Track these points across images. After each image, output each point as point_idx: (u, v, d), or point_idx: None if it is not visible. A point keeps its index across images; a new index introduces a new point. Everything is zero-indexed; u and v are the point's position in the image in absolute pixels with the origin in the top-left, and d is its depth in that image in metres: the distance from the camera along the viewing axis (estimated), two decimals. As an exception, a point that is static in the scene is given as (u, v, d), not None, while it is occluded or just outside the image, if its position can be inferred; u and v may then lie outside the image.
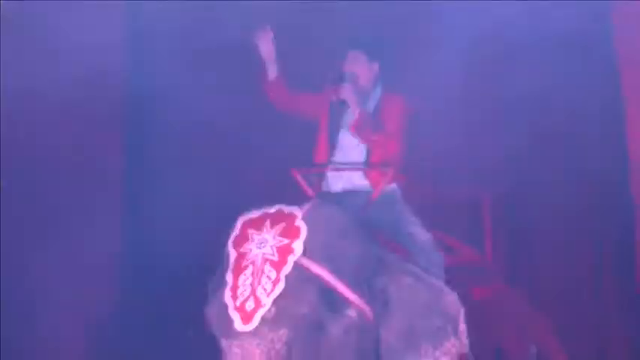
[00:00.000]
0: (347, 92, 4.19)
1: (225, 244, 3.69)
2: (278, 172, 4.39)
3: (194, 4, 5.33)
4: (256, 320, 3.49)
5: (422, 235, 4.11)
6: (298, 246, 3.58)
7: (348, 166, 4.26)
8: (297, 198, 4.03)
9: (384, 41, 4.50)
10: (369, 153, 4.27)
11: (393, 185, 4.32)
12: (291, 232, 3.61)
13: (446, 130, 5.12)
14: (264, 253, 3.59)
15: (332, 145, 4.31)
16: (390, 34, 5.03)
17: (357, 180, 4.31)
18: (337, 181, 4.34)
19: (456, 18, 5.13)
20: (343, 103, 4.20)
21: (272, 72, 4.32)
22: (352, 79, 4.22)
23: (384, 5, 5.36)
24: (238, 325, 3.50)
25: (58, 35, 4.93)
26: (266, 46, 4.26)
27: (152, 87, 5.22)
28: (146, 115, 5.40)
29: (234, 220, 3.76)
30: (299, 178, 4.21)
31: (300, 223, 3.63)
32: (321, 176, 4.34)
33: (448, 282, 3.93)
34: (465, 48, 5.19)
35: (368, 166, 4.24)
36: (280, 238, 3.61)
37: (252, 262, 3.59)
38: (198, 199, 5.22)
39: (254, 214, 3.75)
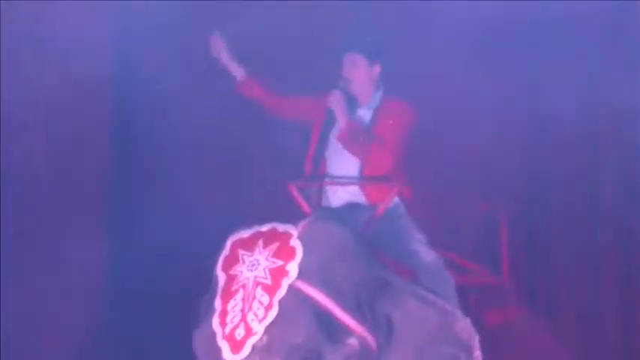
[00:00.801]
0: (334, 99, 4.17)
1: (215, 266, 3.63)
2: (275, 186, 4.36)
3: (189, 3, 5.32)
4: (247, 349, 3.40)
5: (428, 253, 4.05)
6: (293, 268, 3.49)
7: (348, 180, 4.22)
8: (295, 214, 4.02)
9: (387, 42, 4.44)
10: (361, 166, 4.22)
11: (396, 199, 4.25)
12: (285, 253, 3.53)
13: (456, 139, 5.09)
14: (255, 276, 3.51)
15: (325, 156, 4.27)
16: (394, 34, 4.97)
17: (358, 195, 4.26)
18: (337, 196, 4.29)
19: (465, 15, 5.11)
20: (331, 111, 4.19)
21: (237, 74, 4.41)
22: (344, 85, 4.20)
23: (386, 4, 5.33)
24: (227, 354, 3.42)
25: (41, 37, 4.94)
26: (218, 51, 4.36)
27: (141, 96, 5.24)
28: (136, 125, 5.41)
29: (226, 238, 3.70)
30: (295, 192, 4.15)
31: (295, 242, 3.55)
32: (320, 190, 4.29)
33: (460, 306, 3.88)
34: (478, 52, 5.20)
35: (365, 180, 4.19)
36: (274, 260, 3.53)
37: (243, 286, 3.51)
38: (190, 214, 5.21)
39: (245, 233, 3.68)
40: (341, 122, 4.16)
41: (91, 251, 5.01)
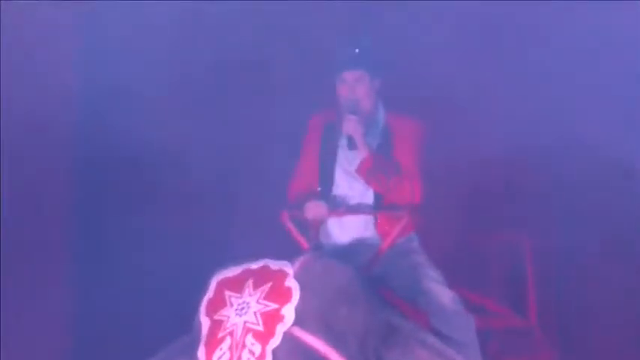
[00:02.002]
0: (352, 126, 4.13)
1: (194, 312, 3.61)
2: (267, 216, 4.31)
3: (176, 4, 5.29)
4: (236, 408, 3.40)
5: (444, 293, 4.00)
6: (289, 312, 3.46)
7: (353, 210, 4.17)
8: (290, 249, 4.00)
9: (385, 47, 4.40)
10: (379, 197, 4.18)
11: (410, 233, 4.24)
12: (280, 295, 3.50)
13: (472, 156, 5.08)
14: (245, 322, 3.47)
15: (328, 185, 4.23)
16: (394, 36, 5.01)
17: (364, 228, 4.21)
18: (339, 229, 4.24)
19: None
20: (351, 143, 4.14)
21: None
22: (354, 107, 4.17)
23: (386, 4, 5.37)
24: (213, 414, 3.43)
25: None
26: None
27: (114, 116, 5.19)
28: (105, 148, 5.32)
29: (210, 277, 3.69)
30: (290, 224, 4.11)
31: (291, 282, 3.52)
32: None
33: (481, 352, 3.89)
34: (500, 62, 5.24)
35: (377, 209, 4.15)
36: (266, 302, 3.49)
37: (231, 333, 3.47)
38: (169, 249, 5.19)
39: (232, 270, 3.64)
40: (362, 152, 4.14)
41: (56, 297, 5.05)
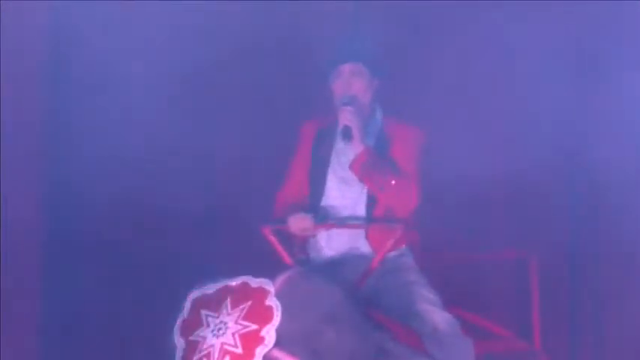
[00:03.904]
0: (348, 116, 4.14)
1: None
2: (248, 229, 4.34)
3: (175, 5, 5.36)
4: None
5: (439, 315, 4.00)
6: (270, 333, 3.52)
7: (340, 222, 4.18)
8: (273, 264, 4.01)
9: (388, 50, 4.48)
10: (372, 203, 4.18)
11: (402, 247, 4.24)
12: (260, 315, 3.56)
13: (476, 173, 5.08)
14: (222, 343, 3.53)
15: (319, 196, 4.24)
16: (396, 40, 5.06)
17: (355, 241, 4.21)
18: (328, 243, 4.24)
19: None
20: (347, 133, 4.14)
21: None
22: (350, 101, 4.18)
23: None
24: None
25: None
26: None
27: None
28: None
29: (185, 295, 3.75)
30: (272, 238, 4.10)
31: (272, 301, 3.58)
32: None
33: None
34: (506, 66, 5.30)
35: (369, 221, 4.16)
36: (245, 323, 3.56)
37: (207, 356, 3.53)
38: (141, 265, 5.25)
39: (209, 288, 3.70)
40: (356, 146, 4.14)
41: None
